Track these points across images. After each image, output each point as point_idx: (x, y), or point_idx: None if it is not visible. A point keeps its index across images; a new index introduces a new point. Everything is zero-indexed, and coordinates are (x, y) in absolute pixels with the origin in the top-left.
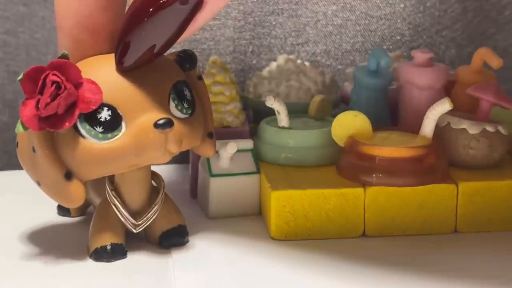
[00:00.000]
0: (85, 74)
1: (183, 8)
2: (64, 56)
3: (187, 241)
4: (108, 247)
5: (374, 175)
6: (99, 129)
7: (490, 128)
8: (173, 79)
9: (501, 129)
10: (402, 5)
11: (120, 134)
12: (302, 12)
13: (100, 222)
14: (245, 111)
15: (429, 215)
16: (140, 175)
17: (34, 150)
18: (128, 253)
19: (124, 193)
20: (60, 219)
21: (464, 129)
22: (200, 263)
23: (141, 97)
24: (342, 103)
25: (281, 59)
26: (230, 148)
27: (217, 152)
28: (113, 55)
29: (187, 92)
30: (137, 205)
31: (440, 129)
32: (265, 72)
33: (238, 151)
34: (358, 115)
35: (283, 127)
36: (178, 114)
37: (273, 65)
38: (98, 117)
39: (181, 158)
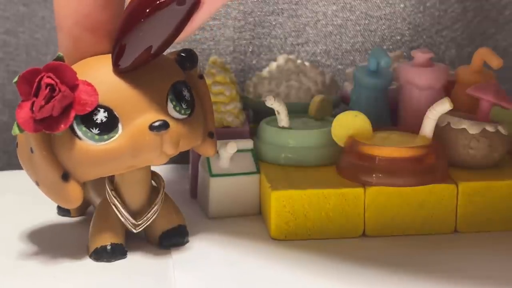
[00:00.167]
0: (82, 75)
1: (180, 9)
2: (59, 58)
3: (187, 241)
4: (108, 247)
5: (374, 175)
6: (95, 131)
7: (490, 128)
8: (171, 79)
9: (501, 129)
10: (402, 5)
11: (117, 135)
12: (302, 12)
13: (100, 222)
14: (245, 111)
15: (429, 215)
16: (140, 175)
17: (32, 151)
18: (128, 253)
19: (124, 193)
20: (60, 219)
21: (464, 129)
22: (200, 263)
23: (138, 98)
24: (342, 103)
25: (281, 59)
26: (230, 148)
27: (217, 152)
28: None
29: (186, 93)
30: (137, 205)
31: (440, 129)
32: (265, 72)
33: (238, 151)
34: (358, 115)
35: (283, 127)
36: (176, 115)
37: (273, 65)
38: (94, 119)
39: (181, 158)
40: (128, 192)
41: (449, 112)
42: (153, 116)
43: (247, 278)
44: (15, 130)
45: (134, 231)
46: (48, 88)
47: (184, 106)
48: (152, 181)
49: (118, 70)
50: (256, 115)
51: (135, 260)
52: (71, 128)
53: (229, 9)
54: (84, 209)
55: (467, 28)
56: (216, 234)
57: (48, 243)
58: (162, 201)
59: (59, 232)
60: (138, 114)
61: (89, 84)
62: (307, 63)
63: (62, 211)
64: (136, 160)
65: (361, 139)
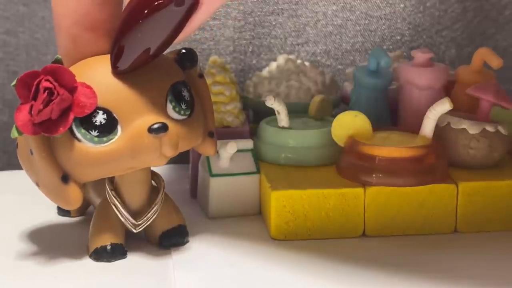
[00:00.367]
0: (80, 77)
1: (178, 10)
2: (57, 61)
3: (187, 241)
4: (108, 247)
5: (374, 175)
6: (95, 133)
7: (490, 128)
8: (171, 80)
9: (501, 129)
10: (402, 5)
11: (116, 137)
12: (302, 12)
13: (100, 222)
14: (245, 111)
15: (429, 215)
16: (140, 175)
17: (31, 153)
18: (128, 253)
19: (124, 193)
20: (59, 219)
21: (464, 129)
22: (200, 263)
23: (137, 99)
24: (342, 103)
25: (281, 59)
26: (230, 148)
27: (217, 152)
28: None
29: (185, 93)
30: (137, 205)
31: (440, 129)
32: (265, 72)
33: (238, 151)
34: (358, 115)
35: (283, 127)
36: (175, 116)
37: (273, 65)
38: (93, 121)
39: (181, 158)
40: (128, 192)
41: (449, 112)
42: (152, 118)
43: (247, 278)
44: (14, 133)
45: (134, 231)
46: (47, 92)
47: (183, 107)
48: (152, 181)
49: (117, 71)
50: (256, 115)
51: (135, 260)
52: (70, 130)
53: (229, 9)
54: (84, 209)
55: (467, 28)
56: (216, 234)
57: (48, 243)
58: (162, 201)
59: (59, 232)
60: (137, 116)
61: (87, 87)
62: (307, 63)
63: (62, 211)
64: (135, 161)
65: (361, 139)
